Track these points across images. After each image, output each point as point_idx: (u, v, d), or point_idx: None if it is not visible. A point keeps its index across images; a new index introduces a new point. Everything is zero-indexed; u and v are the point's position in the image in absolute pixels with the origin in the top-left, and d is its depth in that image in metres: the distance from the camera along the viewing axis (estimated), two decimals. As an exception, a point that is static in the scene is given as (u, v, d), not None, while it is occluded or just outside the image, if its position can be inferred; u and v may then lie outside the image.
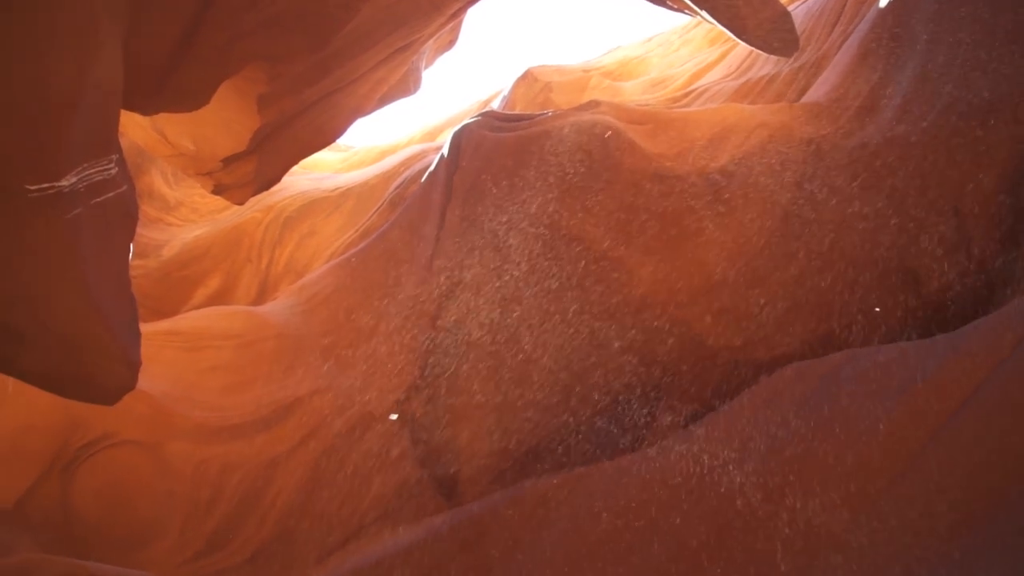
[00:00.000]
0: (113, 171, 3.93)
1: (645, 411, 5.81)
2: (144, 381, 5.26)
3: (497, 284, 6.71)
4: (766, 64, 11.14)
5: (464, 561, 5.10)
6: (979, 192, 5.67)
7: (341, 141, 13.91)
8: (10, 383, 5.94)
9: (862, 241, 5.85)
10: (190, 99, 6.34)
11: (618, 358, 6.05)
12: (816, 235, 6.01)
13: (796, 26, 9.06)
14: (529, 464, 5.90)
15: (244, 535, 6.14)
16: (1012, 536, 3.05)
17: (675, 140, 7.27)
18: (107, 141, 3.86)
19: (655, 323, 6.07)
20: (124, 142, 5.04)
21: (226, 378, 7.11)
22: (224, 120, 7.51)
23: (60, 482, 6.06)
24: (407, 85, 12.76)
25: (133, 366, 4.21)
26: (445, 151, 8.03)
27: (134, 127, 7.90)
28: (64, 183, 3.40)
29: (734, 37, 8.89)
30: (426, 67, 13.91)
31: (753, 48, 9.05)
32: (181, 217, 14.99)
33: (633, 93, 14.66)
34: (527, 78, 16.47)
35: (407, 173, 13.37)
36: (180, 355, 7.20)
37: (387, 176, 14.04)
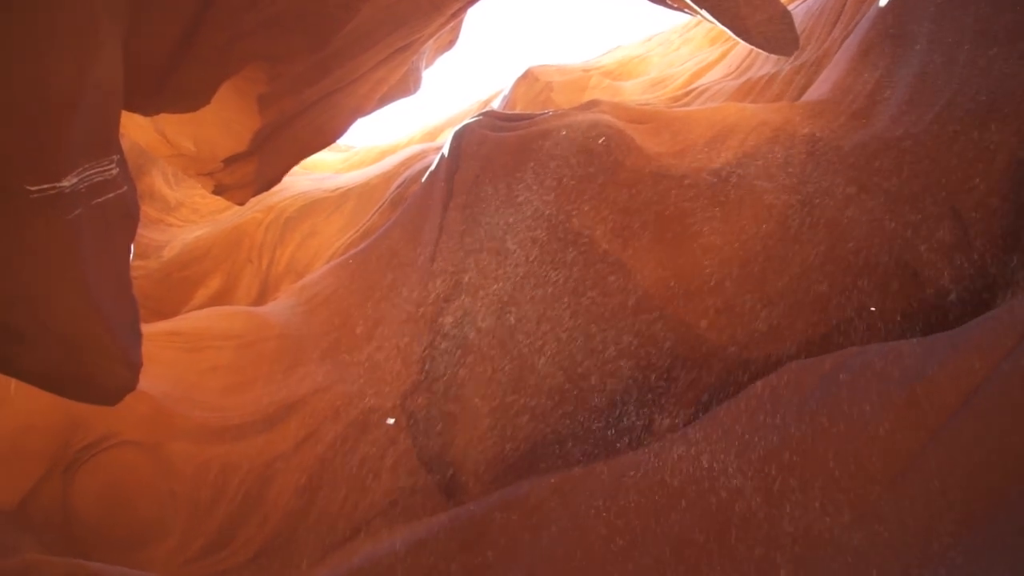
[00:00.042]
0: (114, 172, 3.94)
1: (644, 412, 5.81)
2: (145, 382, 5.26)
3: (498, 284, 6.70)
4: (766, 63, 11.14)
5: (464, 560, 5.10)
6: (979, 192, 5.66)
7: (341, 141, 13.89)
8: (12, 384, 5.94)
9: (862, 241, 5.84)
10: (190, 99, 6.35)
11: (615, 361, 6.05)
12: (816, 235, 6.00)
13: (796, 25, 9.05)
14: (529, 464, 5.89)
15: (245, 535, 6.14)
16: (1012, 536, 3.05)
17: (675, 139, 7.26)
18: (108, 141, 3.86)
19: (654, 324, 6.07)
20: (125, 143, 5.04)
21: (227, 378, 7.12)
22: (224, 120, 7.53)
23: (61, 483, 6.07)
24: (407, 85, 12.78)
25: (134, 367, 4.22)
26: (446, 151, 8.03)
27: (135, 128, 7.91)
28: (65, 183, 3.41)
29: (734, 36, 8.89)
30: (426, 67, 13.93)
31: (753, 47, 9.05)
32: (182, 218, 15.01)
33: (633, 92, 14.66)
34: (527, 78, 16.46)
35: (407, 173, 13.38)
36: (181, 356, 7.21)
37: (388, 176, 14.05)
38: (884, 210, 5.88)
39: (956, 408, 3.79)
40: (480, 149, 7.55)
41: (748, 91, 10.82)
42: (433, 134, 19.28)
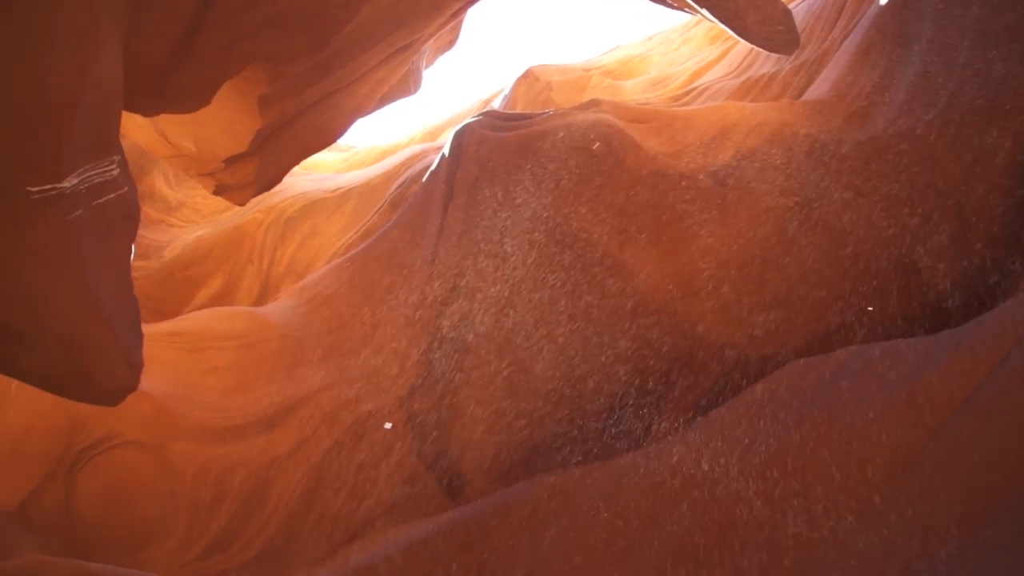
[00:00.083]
0: (114, 172, 3.94)
1: (643, 417, 5.79)
2: (146, 382, 5.27)
3: (496, 287, 6.70)
4: (767, 62, 11.13)
5: (464, 561, 5.10)
6: (980, 191, 5.65)
7: (342, 141, 13.92)
8: (13, 385, 5.95)
9: (863, 240, 5.83)
10: (191, 100, 6.35)
11: (613, 366, 6.03)
12: (817, 234, 5.99)
13: (797, 23, 9.05)
14: (531, 464, 5.90)
15: (247, 535, 6.15)
16: (1012, 536, 3.04)
17: (676, 138, 7.26)
18: (108, 142, 3.86)
19: (652, 329, 6.05)
20: (125, 143, 5.04)
21: (228, 379, 7.12)
22: (225, 121, 7.53)
23: (63, 484, 6.07)
24: (408, 85, 12.78)
25: (135, 367, 4.22)
26: (446, 151, 8.02)
27: (135, 128, 7.92)
28: (65, 184, 3.41)
29: (735, 35, 8.89)
30: (426, 67, 13.94)
31: (754, 46, 9.04)
32: (183, 218, 15.02)
33: (634, 92, 14.65)
34: (528, 77, 16.46)
35: (408, 173, 13.38)
36: (182, 356, 7.21)
37: (388, 176, 14.05)
38: (886, 207, 5.87)
39: (956, 408, 3.78)
40: (480, 149, 7.55)
41: (748, 90, 10.81)
42: (434, 134, 19.27)
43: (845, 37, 8.89)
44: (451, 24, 11.46)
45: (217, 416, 6.68)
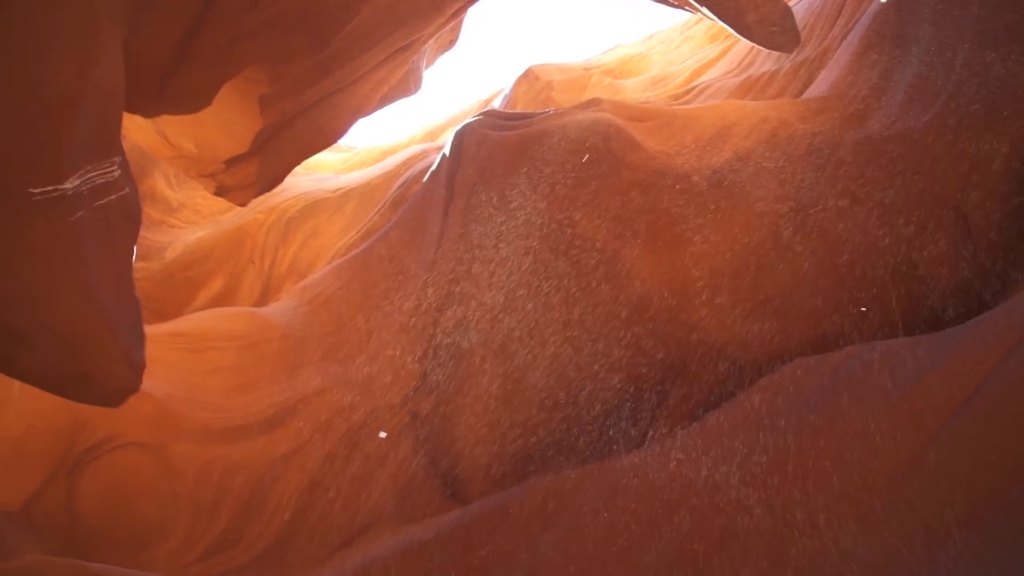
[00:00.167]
0: (116, 173, 3.94)
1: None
2: (148, 383, 5.26)
3: (492, 293, 6.69)
4: (767, 60, 11.11)
5: (467, 560, 5.10)
6: (980, 190, 5.63)
7: (342, 142, 13.91)
8: (15, 386, 5.95)
9: (863, 239, 5.81)
10: (191, 100, 6.35)
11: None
12: (817, 233, 5.98)
13: (797, 21, 9.04)
14: (531, 465, 5.89)
15: (249, 535, 6.15)
16: (1012, 536, 3.04)
17: (676, 137, 7.25)
18: (109, 143, 3.86)
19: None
20: (126, 144, 5.04)
21: (230, 379, 7.12)
22: (226, 121, 7.53)
23: (66, 485, 6.07)
24: (408, 85, 12.78)
25: (136, 368, 4.21)
26: (447, 150, 8.02)
27: (136, 129, 7.93)
28: (67, 186, 3.40)
29: (735, 33, 8.88)
30: (427, 67, 13.93)
31: (754, 44, 9.03)
32: (184, 219, 15.02)
33: (634, 91, 14.64)
34: (528, 77, 16.45)
35: (409, 173, 13.37)
36: (184, 357, 7.21)
37: (389, 176, 14.05)
38: (886, 206, 5.85)
39: (956, 408, 3.77)
40: (482, 148, 7.55)
41: (749, 88, 10.79)
42: (434, 134, 19.27)
43: (845, 35, 8.88)
44: (451, 24, 11.45)
45: (219, 417, 6.68)
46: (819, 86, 7.62)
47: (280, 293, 12.26)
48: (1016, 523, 3.06)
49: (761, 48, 9.53)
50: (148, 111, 6.40)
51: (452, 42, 14.64)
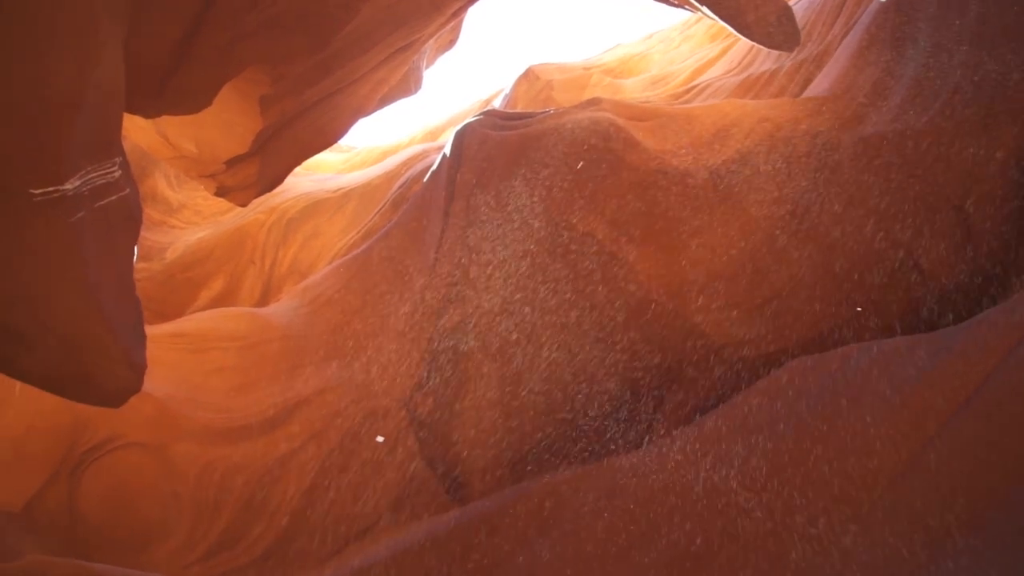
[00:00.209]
0: (116, 174, 3.93)
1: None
2: (149, 383, 5.27)
3: (491, 294, 6.68)
4: (767, 59, 11.11)
5: (466, 561, 5.10)
6: (981, 189, 5.63)
7: (343, 142, 13.93)
8: (17, 387, 5.96)
9: (864, 237, 5.80)
10: (191, 101, 6.36)
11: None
12: (818, 232, 5.97)
13: (797, 20, 9.03)
14: (532, 465, 5.89)
15: (251, 536, 6.15)
16: (1012, 536, 3.03)
17: (677, 137, 7.24)
18: (110, 143, 3.86)
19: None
20: (127, 145, 5.04)
21: (231, 380, 7.12)
22: (226, 122, 7.54)
23: (67, 485, 6.08)
24: (408, 85, 12.78)
25: (137, 368, 4.21)
26: (447, 150, 8.02)
27: (137, 130, 7.94)
28: (68, 186, 3.40)
29: (735, 32, 8.87)
30: (427, 67, 13.93)
31: (754, 43, 9.03)
32: (184, 220, 15.03)
33: (634, 90, 14.64)
34: (528, 76, 16.45)
35: (409, 173, 13.38)
36: (185, 357, 7.21)
37: (389, 176, 14.05)
38: (887, 205, 5.85)
39: (956, 409, 3.77)
40: (482, 148, 7.54)
41: (750, 87, 10.79)
42: (434, 134, 19.28)
43: (846, 34, 8.88)
44: (451, 24, 11.46)
45: (220, 417, 6.69)
46: (819, 85, 7.62)
47: (281, 293, 12.27)
48: (1016, 523, 3.05)
49: (761, 47, 9.52)
50: (148, 111, 6.41)
51: (452, 42, 14.64)
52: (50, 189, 3.30)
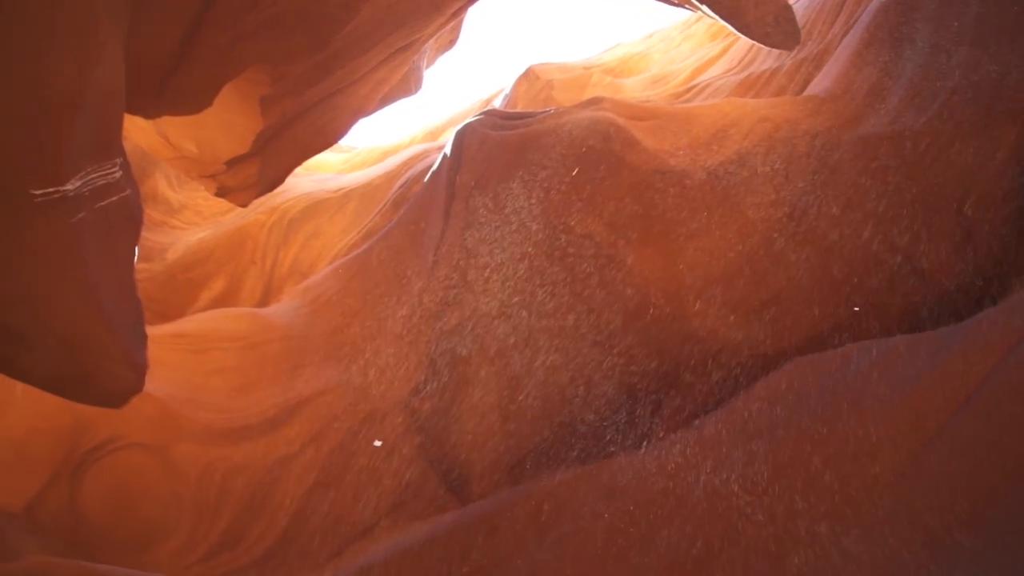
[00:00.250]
0: (117, 175, 3.93)
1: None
2: (150, 384, 5.26)
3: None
4: (768, 58, 11.10)
5: (466, 562, 5.10)
6: (981, 190, 5.62)
7: (343, 142, 13.93)
8: (18, 388, 5.96)
9: (864, 238, 5.79)
10: (192, 101, 6.36)
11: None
12: (816, 235, 5.96)
13: (797, 19, 9.03)
14: (531, 469, 5.89)
15: (252, 536, 6.15)
16: (1013, 536, 3.03)
17: (677, 136, 7.23)
18: (110, 144, 3.86)
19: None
20: (127, 145, 5.04)
21: (232, 380, 7.13)
22: (226, 122, 7.54)
23: (68, 486, 6.08)
24: (408, 85, 12.79)
25: (138, 369, 4.20)
26: (448, 150, 8.02)
27: (137, 130, 7.94)
28: (68, 187, 3.40)
29: (735, 32, 8.87)
30: (427, 67, 13.94)
31: (754, 42, 9.02)
32: (185, 220, 15.03)
33: (635, 90, 14.63)
34: (528, 76, 16.44)
35: (410, 173, 13.38)
36: (186, 357, 7.22)
37: (390, 176, 14.06)
38: (887, 205, 5.84)
39: (956, 408, 3.76)
40: (483, 148, 7.54)
41: (750, 86, 10.79)
42: (435, 134, 19.27)
43: (846, 33, 8.87)
44: (451, 24, 11.46)
45: (221, 417, 6.69)
46: (819, 84, 7.61)
47: (282, 294, 12.26)
48: (1016, 523, 3.05)
49: (762, 46, 9.52)
50: (148, 112, 6.41)
51: (452, 42, 14.64)
52: (50, 190, 3.30)
